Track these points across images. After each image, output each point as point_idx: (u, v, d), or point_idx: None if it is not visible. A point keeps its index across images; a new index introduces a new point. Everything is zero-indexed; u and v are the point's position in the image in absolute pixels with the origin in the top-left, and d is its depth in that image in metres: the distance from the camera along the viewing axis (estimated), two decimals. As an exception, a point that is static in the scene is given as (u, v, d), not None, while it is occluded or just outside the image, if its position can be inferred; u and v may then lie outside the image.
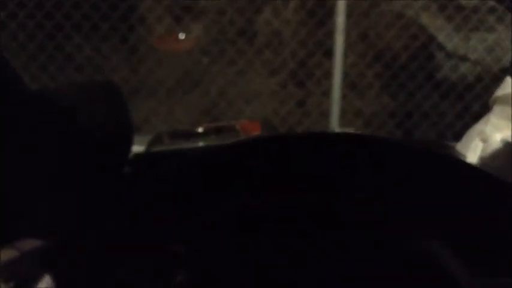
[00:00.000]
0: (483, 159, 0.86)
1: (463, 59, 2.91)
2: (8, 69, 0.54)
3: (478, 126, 0.94)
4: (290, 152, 0.50)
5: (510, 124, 0.88)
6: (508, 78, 0.94)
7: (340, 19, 2.65)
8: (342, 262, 0.59)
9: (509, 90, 0.92)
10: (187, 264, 0.58)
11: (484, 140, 0.89)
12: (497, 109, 0.92)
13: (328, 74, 2.83)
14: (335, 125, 2.68)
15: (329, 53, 2.80)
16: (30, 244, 0.61)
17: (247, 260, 0.58)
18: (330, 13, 2.76)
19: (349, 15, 2.71)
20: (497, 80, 0.97)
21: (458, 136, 0.97)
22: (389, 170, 0.55)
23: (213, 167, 0.55)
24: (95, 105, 0.65)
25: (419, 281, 0.58)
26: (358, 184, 0.56)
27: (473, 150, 0.90)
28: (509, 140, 0.86)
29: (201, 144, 0.71)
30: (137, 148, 0.91)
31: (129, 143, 0.70)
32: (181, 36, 3.08)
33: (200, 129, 0.72)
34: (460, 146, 0.95)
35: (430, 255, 0.58)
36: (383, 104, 3.02)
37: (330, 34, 2.76)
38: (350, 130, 2.52)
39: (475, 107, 2.75)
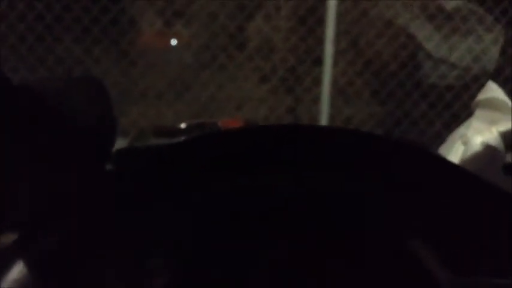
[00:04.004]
0: (464, 162, 0.87)
1: (451, 66, 2.94)
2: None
3: (460, 130, 0.95)
4: (263, 143, 0.50)
5: (491, 127, 0.90)
6: (489, 83, 0.96)
7: (330, 27, 2.68)
8: (321, 258, 0.59)
9: (491, 95, 0.94)
10: (169, 267, 0.58)
11: (465, 143, 0.90)
12: (478, 113, 0.94)
13: (317, 81, 2.85)
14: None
15: (319, 61, 2.83)
16: (8, 238, 0.60)
17: (229, 263, 0.58)
18: (320, 21, 2.79)
19: (339, 23, 2.74)
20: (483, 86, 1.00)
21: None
22: (369, 165, 0.55)
23: (192, 160, 0.56)
24: (77, 99, 0.65)
25: (399, 280, 0.58)
26: (337, 179, 0.57)
27: (454, 153, 0.91)
28: (490, 143, 0.87)
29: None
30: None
31: (112, 139, 0.70)
32: (173, 42, 3.09)
33: (182, 126, 0.73)
34: (442, 149, 0.96)
35: (410, 254, 0.58)
36: (372, 111, 3.05)
37: (320, 42, 2.79)
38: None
39: (462, 115, 2.78)
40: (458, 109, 2.83)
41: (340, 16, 2.74)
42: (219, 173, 0.54)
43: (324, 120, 2.77)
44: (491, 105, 0.92)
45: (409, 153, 0.53)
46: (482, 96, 0.94)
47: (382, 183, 0.57)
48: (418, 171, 0.57)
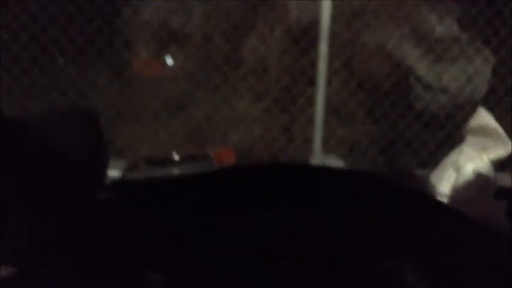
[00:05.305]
0: (456, 189, 0.88)
1: (442, 90, 2.97)
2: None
3: (452, 156, 0.96)
4: (255, 182, 0.52)
5: (482, 155, 0.91)
6: (480, 109, 0.97)
7: (323, 47, 2.70)
8: (309, 279, 0.59)
9: (482, 121, 0.95)
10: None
11: (457, 170, 0.91)
12: (470, 139, 0.95)
13: (311, 101, 2.86)
14: (318, 152, 2.70)
15: (312, 81, 2.84)
16: (4, 271, 0.60)
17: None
18: (314, 42, 2.81)
19: (332, 44, 2.77)
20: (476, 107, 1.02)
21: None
22: (355, 197, 0.56)
23: (184, 197, 0.56)
24: (70, 132, 0.66)
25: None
26: (325, 206, 0.58)
27: (446, 179, 0.92)
28: (481, 170, 0.88)
29: (175, 171, 0.72)
30: (118, 173, 0.91)
31: (104, 170, 0.70)
32: (169, 60, 3.11)
33: (176, 157, 0.73)
34: (434, 175, 0.96)
35: (395, 275, 0.59)
36: (366, 131, 3.06)
37: (314, 62, 2.81)
38: (333, 157, 2.55)
39: (455, 136, 2.80)
40: (452, 129, 2.85)
41: (332, 37, 2.77)
42: (210, 210, 0.55)
43: (317, 140, 2.78)
44: (482, 132, 0.93)
45: (393, 190, 0.55)
46: (473, 123, 0.95)
47: (366, 216, 0.58)
48: (401, 205, 0.58)
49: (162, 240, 0.60)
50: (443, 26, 2.92)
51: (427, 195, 0.58)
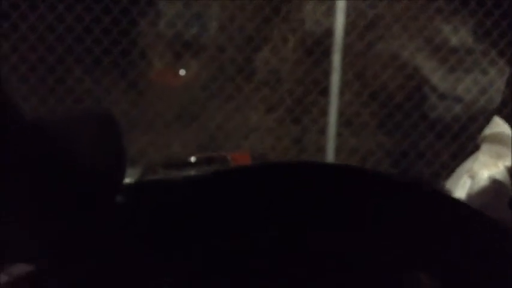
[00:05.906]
0: (471, 196, 0.88)
1: (457, 100, 2.96)
2: (4, 97, 0.55)
3: (467, 164, 0.96)
4: (278, 184, 0.52)
5: (497, 162, 0.91)
6: (495, 118, 0.97)
7: (336, 58, 2.71)
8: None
9: (497, 129, 0.95)
10: None
11: (472, 177, 0.91)
12: (485, 147, 0.95)
13: (324, 112, 2.87)
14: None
15: (325, 91, 2.85)
16: (21, 269, 0.61)
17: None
18: (327, 53, 2.82)
19: (345, 55, 2.77)
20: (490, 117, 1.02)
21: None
22: (375, 202, 0.56)
23: (202, 199, 0.57)
24: (88, 135, 0.66)
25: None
26: (343, 216, 0.58)
27: (461, 186, 0.92)
28: (496, 177, 0.88)
29: (192, 173, 0.73)
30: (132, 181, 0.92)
31: (122, 173, 0.71)
32: (182, 72, 3.14)
33: (192, 159, 0.74)
34: (449, 183, 0.97)
35: (418, 287, 0.58)
36: (378, 142, 3.05)
37: (326, 73, 2.82)
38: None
39: (469, 147, 2.78)
40: (466, 140, 2.84)
41: (346, 48, 2.78)
42: (231, 213, 0.55)
43: (330, 151, 2.78)
44: (498, 140, 0.93)
45: (409, 190, 0.54)
46: (488, 131, 0.95)
47: (387, 218, 0.58)
48: (418, 208, 0.58)
49: (177, 245, 0.60)
50: (457, 37, 2.92)
51: (447, 195, 0.57)
